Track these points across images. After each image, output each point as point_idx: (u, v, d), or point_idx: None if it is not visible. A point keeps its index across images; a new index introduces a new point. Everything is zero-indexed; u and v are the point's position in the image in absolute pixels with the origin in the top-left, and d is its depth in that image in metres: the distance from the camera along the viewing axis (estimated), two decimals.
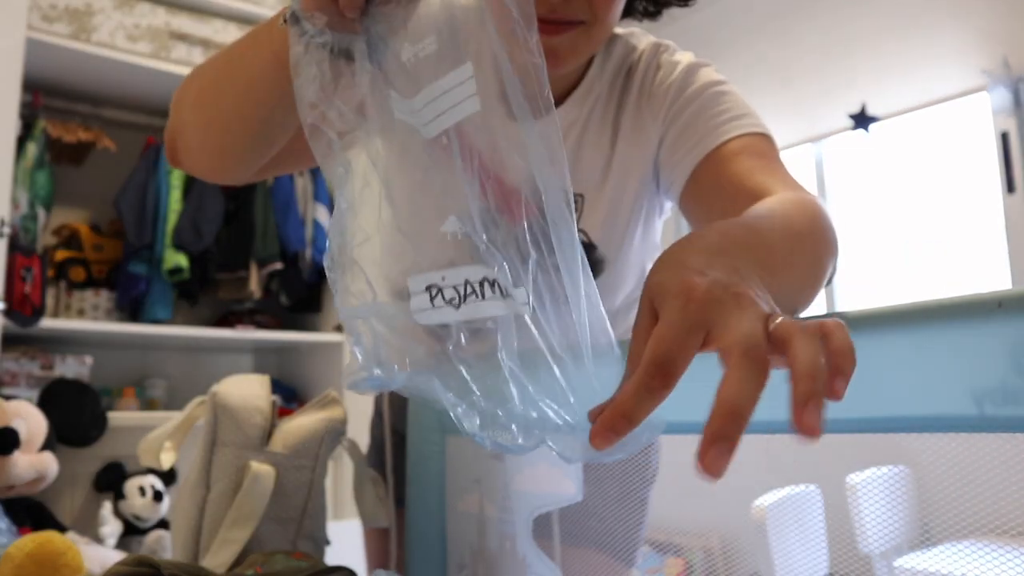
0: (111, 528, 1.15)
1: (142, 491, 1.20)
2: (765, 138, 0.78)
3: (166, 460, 0.91)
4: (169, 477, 1.32)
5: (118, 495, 1.21)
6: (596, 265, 0.85)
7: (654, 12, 0.87)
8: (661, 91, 0.83)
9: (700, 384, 0.55)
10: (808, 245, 0.60)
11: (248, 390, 0.92)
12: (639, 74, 0.85)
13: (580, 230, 0.84)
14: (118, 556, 1.03)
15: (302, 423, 0.91)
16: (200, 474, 0.87)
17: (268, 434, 0.89)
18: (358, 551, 1.20)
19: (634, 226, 0.88)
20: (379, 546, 1.08)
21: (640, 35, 0.89)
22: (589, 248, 0.84)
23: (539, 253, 0.47)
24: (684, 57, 0.85)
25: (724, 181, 0.75)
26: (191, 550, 0.85)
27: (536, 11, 0.62)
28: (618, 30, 0.88)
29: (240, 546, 0.82)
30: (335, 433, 0.92)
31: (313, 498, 0.89)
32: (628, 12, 0.84)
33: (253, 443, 0.87)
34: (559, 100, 0.84)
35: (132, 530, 1.18)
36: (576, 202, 0.84)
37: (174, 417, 0.92)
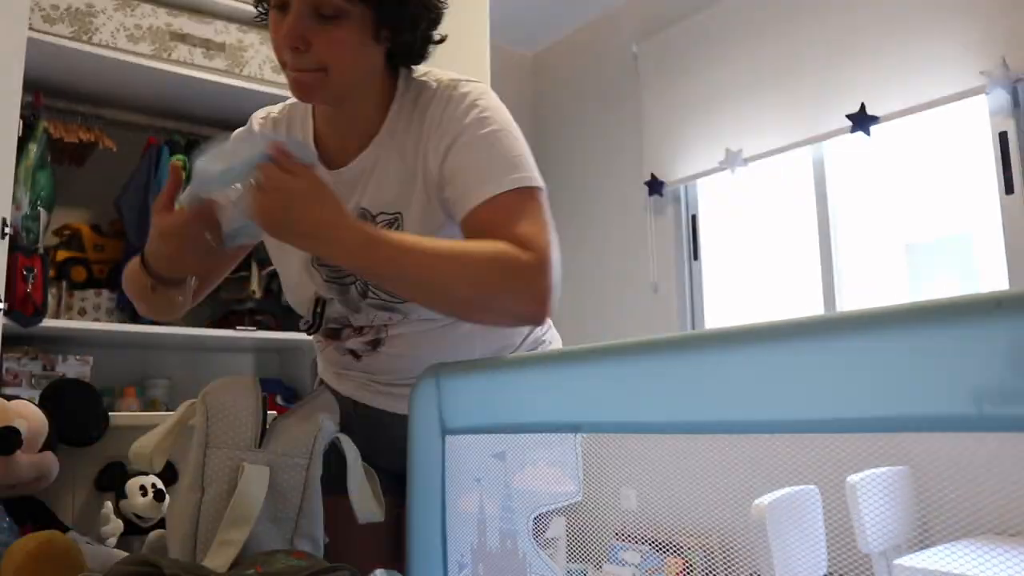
0: (112, 527, 1.16)
1: (143, 490, 1.20)
2: (516, 193, 0.91)
3: (157, 463, 0.91)
4: (171, 477, 1.32)
5: (119, 494, 1.21)
6: None
7: (419, 57, 1.01)
8: (447, 120, 0.96)
9: (698, 385, 0.55)
10: (447, 264, 0.86)
11: (238, 391, 0.92)
12: (434, 104, 0.98)
13: None
14: (119, 555, 1.03)
15: (295, 421, 0.92)
16: (194, 477, 0.87)
17: (261, 434, 0.89)
18: None
19: (449, 228, 0.97)
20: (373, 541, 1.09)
21: (439, 72, 1.03)
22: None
23: None
24: (471, 94, 0.98)
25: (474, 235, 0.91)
26: (188, 553, 0.85)
27: (283, 59, 0.93)
28: (422, 70, 1.03)
29: (237, 548, 0.82)
30: (328, 430, 0.92)
31: (309, 497, 0.89)
32: (393, 57, 0.99)
33: (246, 443, 0.87)
34: (365, 143, 1.00)
35: (133, 529, 1.18)
36: (397, 220, 0.99)
37: (166, 420, 0.92)
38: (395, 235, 0.89)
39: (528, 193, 0.92)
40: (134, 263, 1.03)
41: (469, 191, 0.92)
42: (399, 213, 0.98)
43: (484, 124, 0.94)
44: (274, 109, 1.12)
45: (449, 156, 0.94)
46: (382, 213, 0.99)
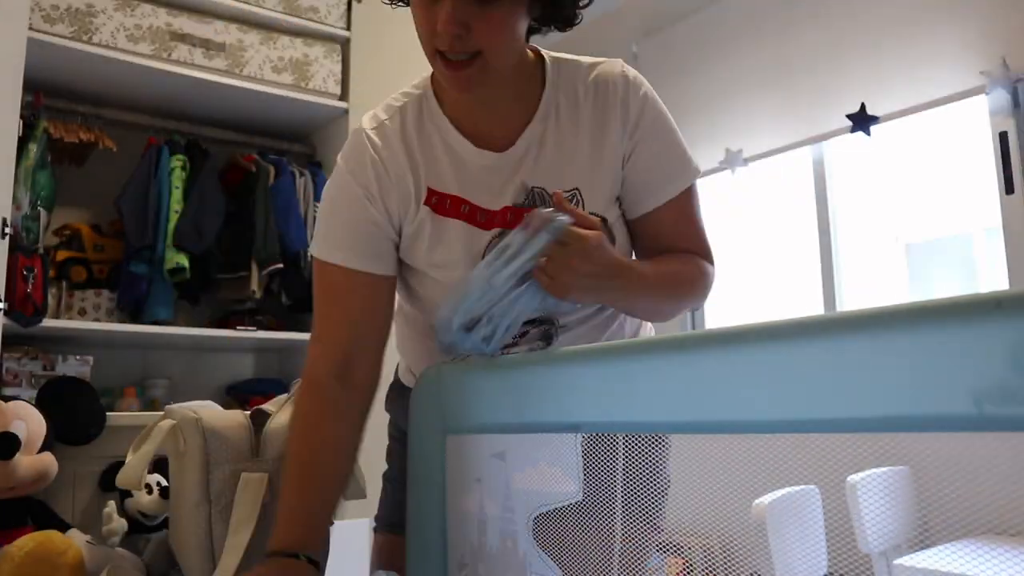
0: (114, 527, 1.15)
1: (149, 488, 1.21)
2: (688, 190, 1.00)
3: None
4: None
5: (124, 493, 1.21)
6: (610, 235, 0.98)
7: (562, 26, 0.99)
8: (629, 106, 0.98)
9: (698, 385, 0.55)
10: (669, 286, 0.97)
11: (225, 411, 1.01)
12: (603, 84, 0.99)
13: (593, 214, 0.94)
14: (121, 555, 1.03)
15: (284, 424, 0.96)
16: (200, 494, 0.93)
17: (256, 444, 0.96)
18: (357, 551, 1.20)
19: (615, 199, 1.01)
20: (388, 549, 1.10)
21: (600, 59, 1.04)
22: (604, 223, 0.97)
23: None
24: (644, 84, 1.02)
25: (660, 232, 1.01)
26: (208, 559, 0.91)
27: (440, 48, 0.87)
28: (566, 55, 1.02)
29: (242, 550, 0.87)
30: None
31: None
32: (537, 30, 0.98)
33: (244, 455, 0.94)
34: (525, 122, 0.97)
35: (139, 527, 1.18)
36: (576, 195, 0.97)
37: (147, 445, 0.98)
38: (645, 268, 0.96)
39: (694, 187, 1.02)
40: None
41: (654, 189, 0.99)
42: (576, 188, 0.97)
43: (661, 118, 1.00)
44: (382, 115, 1.00)
45: (636, 146, 0.98)
46: (561, 191, 0.95)
